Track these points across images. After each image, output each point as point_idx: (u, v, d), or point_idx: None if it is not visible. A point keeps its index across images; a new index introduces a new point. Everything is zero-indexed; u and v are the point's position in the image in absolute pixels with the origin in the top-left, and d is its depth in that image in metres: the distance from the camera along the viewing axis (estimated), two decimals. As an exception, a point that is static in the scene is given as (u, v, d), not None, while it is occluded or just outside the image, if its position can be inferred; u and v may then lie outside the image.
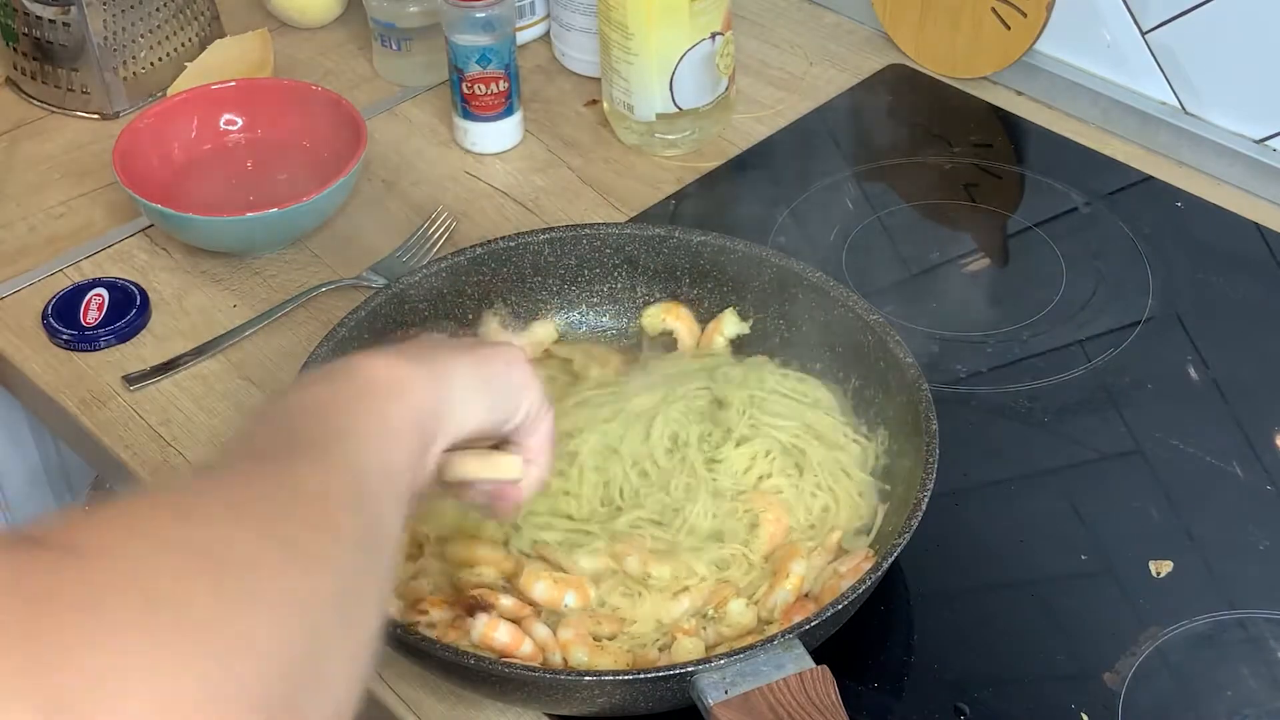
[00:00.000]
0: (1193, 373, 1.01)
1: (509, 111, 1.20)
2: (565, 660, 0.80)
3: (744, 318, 0.98)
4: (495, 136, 1.21)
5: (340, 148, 1.11)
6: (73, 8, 1.20)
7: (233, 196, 1.13)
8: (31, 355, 1.04)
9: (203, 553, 0.47)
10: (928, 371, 0.90)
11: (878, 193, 1.17)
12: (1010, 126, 1.24)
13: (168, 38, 1.27)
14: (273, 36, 1.31)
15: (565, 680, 0.76)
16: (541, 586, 0.82)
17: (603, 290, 1.01)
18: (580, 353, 0.99)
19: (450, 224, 1.13)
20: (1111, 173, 1.17)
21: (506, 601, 0.81)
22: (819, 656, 0.76)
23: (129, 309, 1.06)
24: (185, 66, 1.27)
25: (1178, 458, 0.94)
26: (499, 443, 0.77)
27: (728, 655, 0.75)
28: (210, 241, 1.10)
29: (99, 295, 1.07)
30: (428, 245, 1.11)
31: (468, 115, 1.20)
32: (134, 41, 1.24)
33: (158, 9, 1.25)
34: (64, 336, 1.04)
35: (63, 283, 1.09)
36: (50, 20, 1.21)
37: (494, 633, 0.79)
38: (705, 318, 1.00)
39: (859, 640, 0.83)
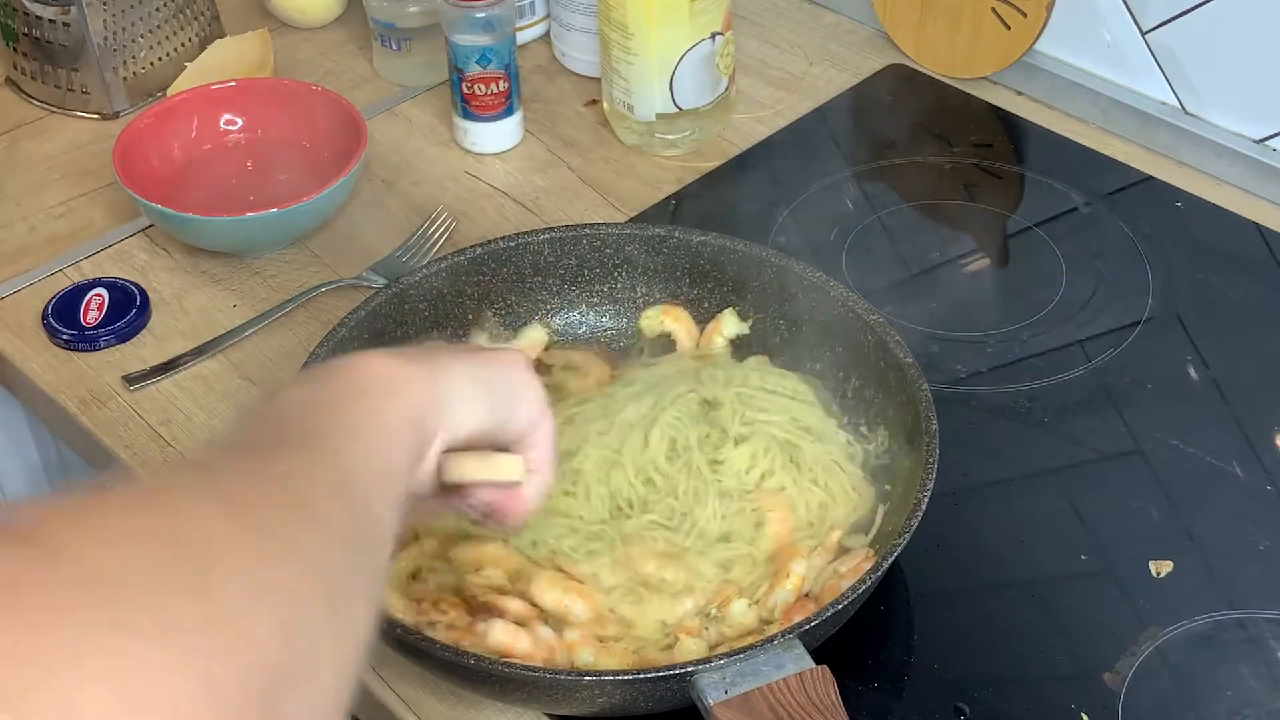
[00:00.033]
0: (1193, 373, 1.01)
1: (509, 111, 1.20)
2: (572, 661, 0.80)
3: (744, 318, 0.98)
4: (495, 136, 1.21)
5: (340, 148, 1.11)
6: (73, 8, 1.20)
7: (233, 196, 1.13)
8: (31, 355, 1.04)
9: (175, 543, 0.45)
10: (928, 371, 0.90)
11: (878, 193, 1.17)
12: (1010, 126, 1.24)
13: (168, 38, 1.27)
14: (273, 36, 1.31)
15: (565, 680, 0.76)
16: (553, 595, 0.82)
17: (603, 290, 1.01)
18: (563, 361, 0.98)
19: (450, 224, 1.13)
20: (1111, 173, 1.17)
21: (515, 605, 0.81)
22: (819, 656, 0.76)
23: (129, 309, 1.06)
24: (185, 66, 1.27)
25: (1178, 458, 0.94)
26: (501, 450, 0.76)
27: (728, 655, 0.75)
28: (210, 241, 1.10)
29: (99, 295, 1.07)
30: (428, 245, 1.11)
31: (468, 115, 1.20)
32: (134, 41, 1.24)
33: (158, 9, 1.25)
34: (64, 336, 1.04)
35: (63, 283, 1.09)
36: (50, 20, 1.21)
37: (509, 639, 0.79)
38: (705, 318, 1.00)
39: (859, 640, 0.83)
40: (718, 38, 1.17)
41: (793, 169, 1.19)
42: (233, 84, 1.18)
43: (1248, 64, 1.13)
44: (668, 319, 1.00)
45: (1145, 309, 1.05)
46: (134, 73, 1.26)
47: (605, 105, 1.23)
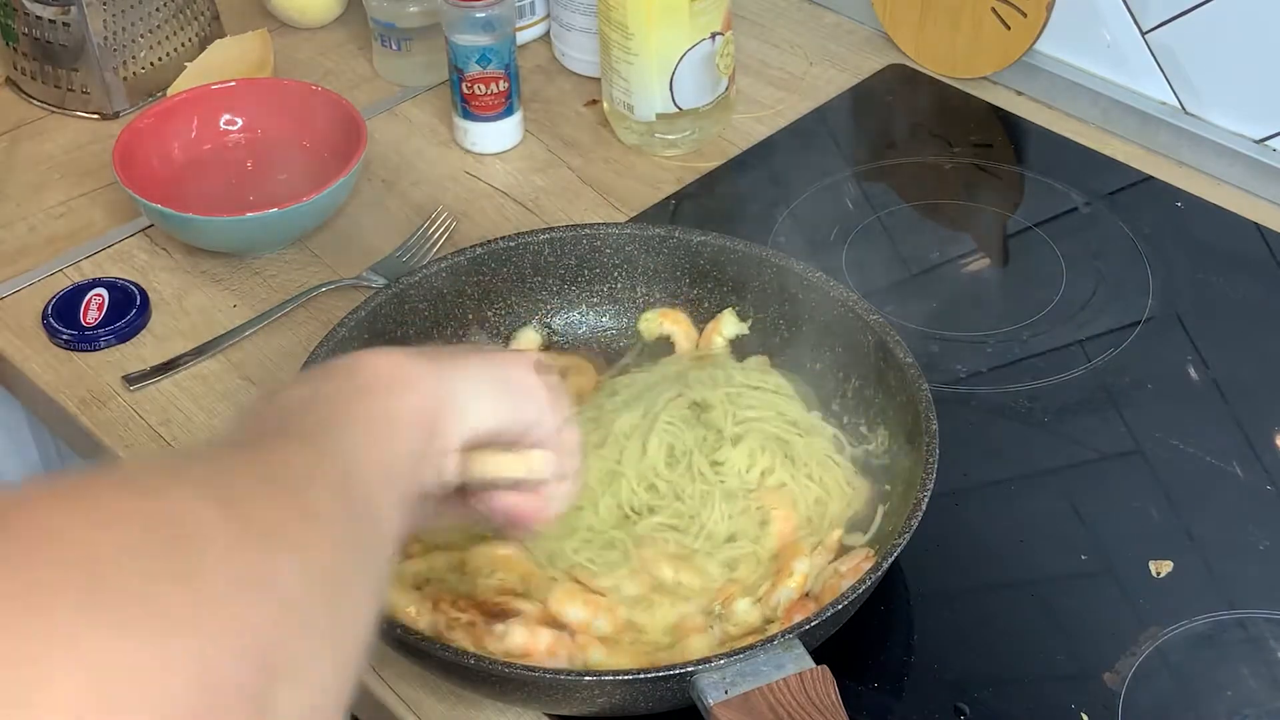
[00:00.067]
0: (1193, 373, 1.01)
1: (509, 111, 1.20)
2: (584, 661, 0.80)
3: (743, 318, 0.98)
4: (495, 136, 1.21)
5: (340, 148, 1.11)
6: (72, 8, 1.20)
7: (233, 196, 1.13)
8: (31, 355, 1.04)
9: (153, 527, 0.44)
10: (927, 371, 0.90)
11: (878, 192, 1.17)
12: (1010, 126, 1.24)
13: (168, 38, 1.27)
14: (273, 37, 1.31)
15: (565, 680, 0.76)
16: (575, 610, 0.81)
17: (602, 290, 1.01)
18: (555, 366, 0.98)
19: (450, 224, 1.13)
20: (1111, 173, 1.17)
21: (529, 607, 0.81)
22: (819, 656, 0.76)
23: (129, 309, 1.06)
24: (185, 66, 1.27)
25: (1178, 458, 0.94)
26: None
27: (728, 655, 0.75)
28: (210, 241, 1.10)
29: (99, 295, 1.07)
30: (428, 245, 1.11)
31: (468, 115, 1.20)
32: (134, 41, 1.24)
33: (157, 9, 1.25)
34: (64, 336, 1.04)
35: (63, 283, 1.09)
36: (50, 20, 1.21)
37: (529, 639, 0.79)
38: (705, 318, 1.00)
39: (859, 640, 0.83)
40: (718, 38, 1.17)
41: (793, 169, 1.19)
42: (233, 84, 1.18)
43: (1247, 64, 1.13)
44: (667, 321, 1.00)
45: (1145, 309, 1.05)
46: (134, 73, 1.26)
47: (605, 105, 1.23)
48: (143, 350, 1.05)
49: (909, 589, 0.87)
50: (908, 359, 0.89)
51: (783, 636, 0.75)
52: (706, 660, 0.75)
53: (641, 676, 0.75)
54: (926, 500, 0.81)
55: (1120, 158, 1.19)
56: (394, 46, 1.28)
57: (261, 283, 1.10)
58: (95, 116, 1.26)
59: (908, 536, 0.79)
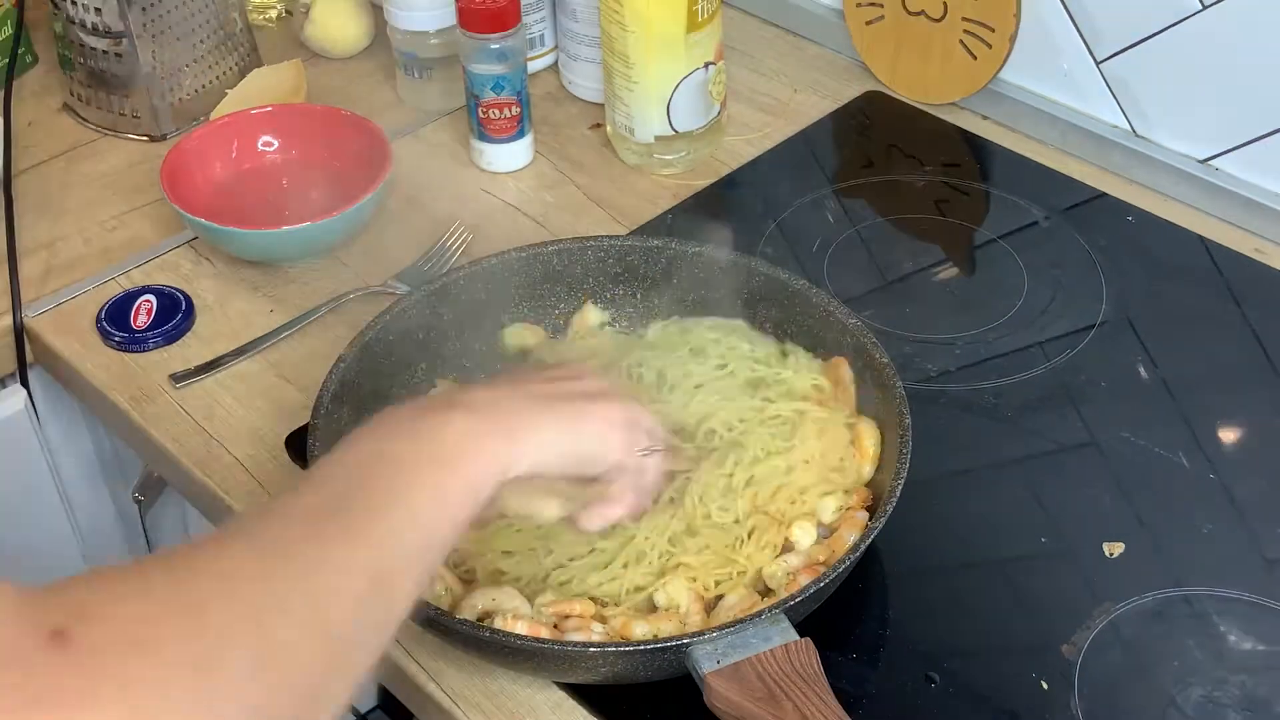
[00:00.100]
0: (1143, 372, 1.01)
1: (521, 134, 1.20)
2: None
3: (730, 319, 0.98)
4: (508, 157, 1.21)
5: (367, 167, 1.11)
6: (124, 40, 1.20)
7: (270, 211, 1.13)
8: (87, 356, 1.04)
9: (180, 646, 0.47)
10: (902, 371, 0.90)
11: (856, 208, 1.17)
12: (976, 148, 1.24)
13: (210, 67, 1.27)
14: (305, 66, 1.31)
15: (571, 651, 0.76)
16: (641, 628, 0.80)
17: (606, 296, 1.01)
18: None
19: (467, 237, 1.13)
20: (1069, 190, 1.17)
21: (599, 628, 0.80)
22: (802, 629, 0.76)
23: (175, 313, 1.06)
24: (226, 93, 1.27)
25: (1129, 449, 0.94)
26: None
27: (719, 629, 0.75)
28: (249, 252, 1.10)
29: (148, 301, 1.07)
30: (446, 256, 1.11)
31: (483, 137, 1.20)
32: (180, 71, 1.24)
33: (201, 41, 1.25)
34: (116, 339, 1.04)
35: (115, 290, 1.09)
36: (104, 51, 1.21)
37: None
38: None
39: (839, 615, 0.83)
40: (710, 67, 1.17)
41: (778, 186, 1.19)
42: (269, 109, 1.18)
43: (1193, 92, 1.13)
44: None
45: (1100, 314, 1.05)
46: (180, 99, 1.25)
47: (608, 128, 1.23)
48: (188, 351, 1.05)
49: (885, 568, 0.87)
50: (884, 359, 0.89)
51: (770, 612, 0.76)
52: (700, 633, 0.75)
53: (640, 648, 0.75)
54: (900, 487, 0.81)
55: (1077, 176, 1.19)
56: (416, 75, 1.28)
57: (296, 289, 1.10)
58: (145, 139, 1.26)
59: (883, 521, 0.80)
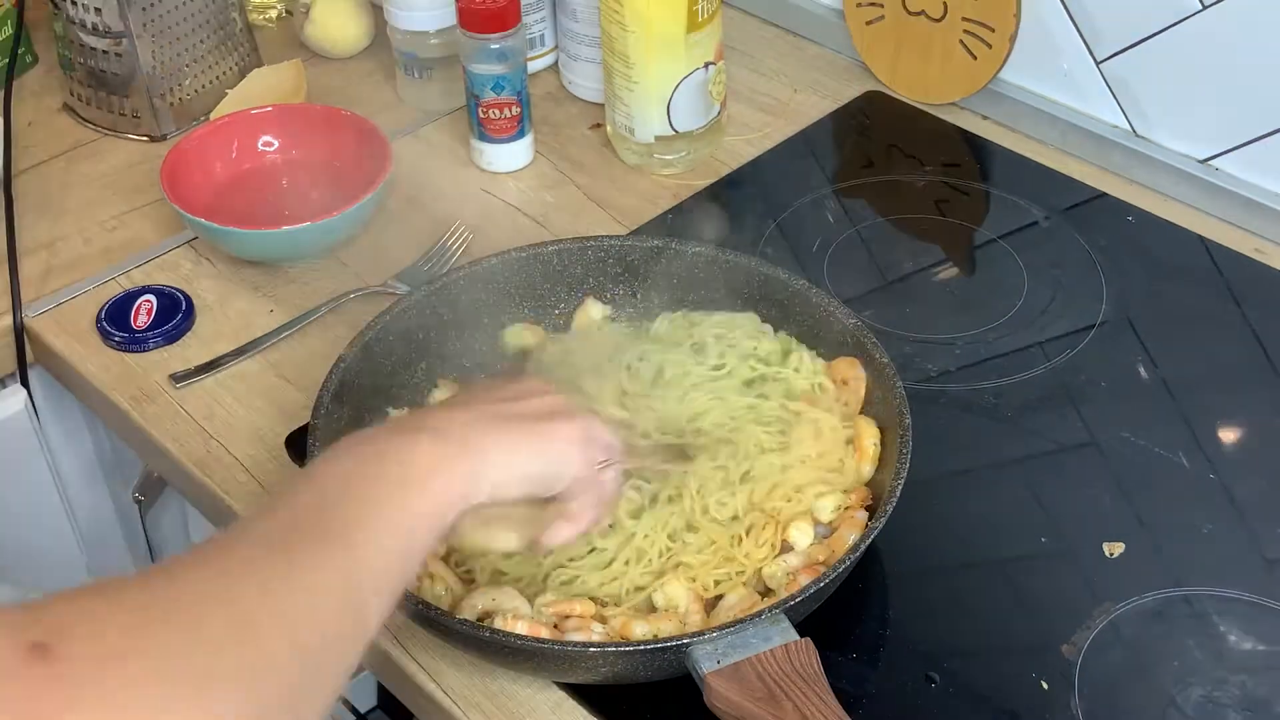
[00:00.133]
0: (1143, 372, 1.01)
1: (521, 134, 1.20)
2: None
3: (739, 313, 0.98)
4: (508, 157, 1.21)
5: (367, 167, 1.11)
6: (124, 40, 1.20)
7: (270, 211, 1.13)
8: (87, 356, 1.04)
9: (158, 659, 0.48)
10: (902, 371, 0.90)
11: (856, 208, 1.17)
12: (976, 148, 1.24)
13: (210, 67, 1.27)
14: (306, 66, 1.31)
15: (571, 651, 0.76)
16: (641, 629, 0.80)
17: (606, 295, 1.01)
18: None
19: (467, 237, 1.13)
20: (1069, 190, 1.17)
21: (599, 628, 0.80)
22: (802, 629, 0.76)
23: (175, 313, 1.06)
24: (226, 93, 1.27)
25: (1129, 449, 0.94)
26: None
27: (719, 629, 0.75)
28: (249, 252, 1.10)
29: (148, 301, 1.07)
30: (447, 256, 1.11)
31: (483, 137, 1.20)
32: (180, 71, 1.24)
33: (201, 41, 1.25)
34: (116, 339, 1.04)
35: (115, 290, 1.09)
36: (104, 51, 1.21)
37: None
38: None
39: (839, 615, 0.83)
40: (710, 67, 1.17)
41: (779, 186, 1.19)
42: (270, 109, 1.18)
43: (1192, 92, 1.13)
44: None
45: (1100, 314, 1.05)
46: (180, 99, 1.25)
47: (608, 128, 1.22)
48: (188, 351, 1.05)
49: (885, 568, 0.87)
50: (884, 359, 0.89)
51: (770, 612, 0.75)
52: (700, 633, 0.75)
53: (640, 648, 0.75)
54: (900, 487, 0.81)
55: (1077, 176, 1.19)
56: (416, 75, 1.28)
57: (296, 289, 1.09)
58: (145, 139, 1.26)
59: (883, 521, 0.79)
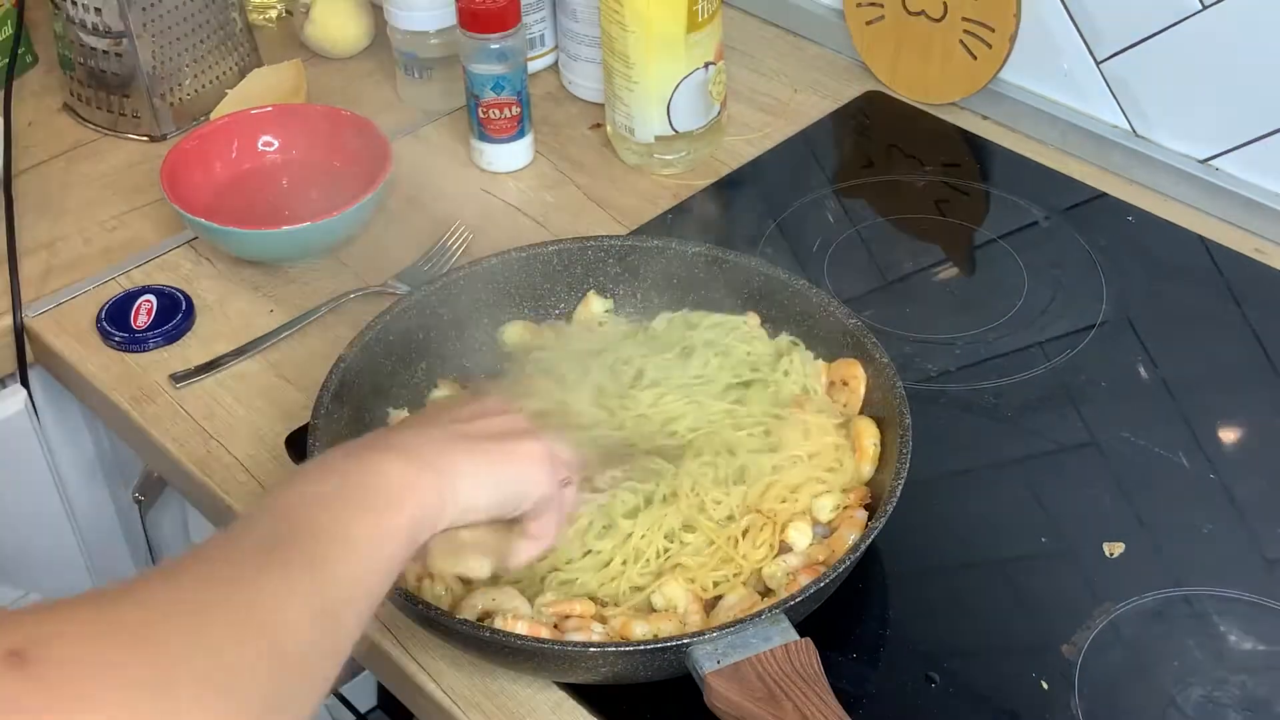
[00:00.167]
0: (1143, 372, 1.01)
1: (521, 134, 1.20)
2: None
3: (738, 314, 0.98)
4: (508, 157, 1.21)
5: (367, 167, 1.11)
6: (124, 40, 1.20)
7: (270, 211, 1.13)
8: (87, 356, 1.04)
9: (136, 667, 0.48)
10: (902, 371, 0.90)
11: (856, 208, 1.17)
12: (976, 148, 1.24)
13: (210, 67, 1.27)
14: (306, 66, 1.31)
15: (571, 651, 0.76)
16: (641, 628, 0.80)
17: (606, 295, 1.01)
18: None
19: (467, 237, 1.13)
20: (1069, 190, 1.17)
21: (599, 628, 0.80)
22: (803, 629, 0.76)
23: (175, 313, 1.06)
24: (226, 93, 1.27)
25: (1129, 449, 0.94)
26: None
27: (719, 629, 0.75)
28: (249, 252, 1.10)
29: (148, 301, 1.07)
30: (447, 256, 1.11)
31: (483, 137, 1.20)
32: (180, 71, 1.24)
33: (201, 41, 1.25)
34: (116, 339, 1.04)
35: (115, 290, 1.09)
36: (104, 51, 1.21)
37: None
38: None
39: (840, 615, 0.83)
40: (710, 67, 1.17)
41: (779, 186, 1.19)
42: (269, 109, 1.18)
43: (1193, 92, 1.13)
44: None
45: (1100, 314, 1.05)
46: (180, 99, 1.26)
47: (608, 128, 1.22)
48: (188, 351, 1.05)
49: (885, 568, 0.87)
50: (884, 359, 0.89)
51: (770, 612, 0.75)
52: (700, 633, 0.75)
53: (640, 648, 0.75)
54: (900, 487, 0.81)
55: (1077, 176, 1.19)
56: (416, 75, 1.28)
57: (296, 290, 1.09)
58: (144, 139, 1.26)
59: (883, 520, 0.79)
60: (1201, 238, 1.12)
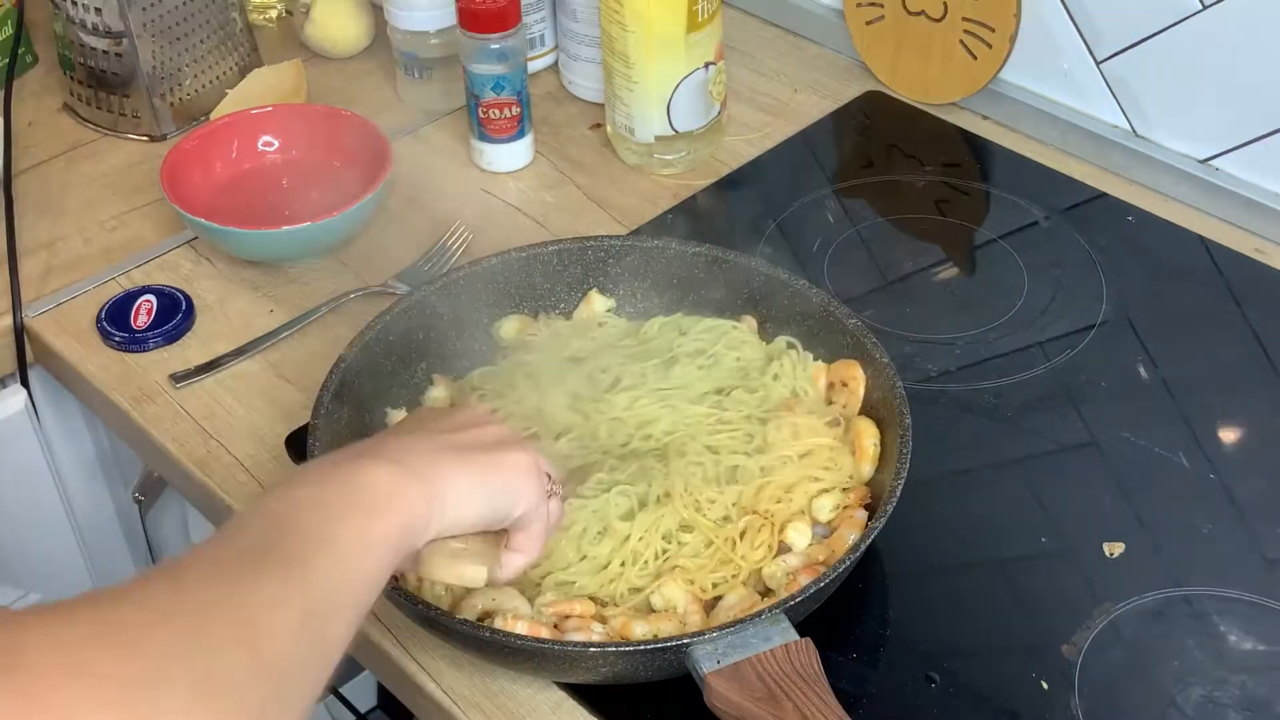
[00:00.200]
0: (1143, 372, 1.01)
1: (521, 134, 1.20)
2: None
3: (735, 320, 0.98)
4: (508, 157, 1.21)
5: (367, 167, 1.11)
6: (124, 40, 1.20)
7: (270, 211, 1.13)
8: (87, 356, 1.04)
9: (117, 673, 0.48)
10: (902, 371, 0.90)
11: (856, 208, 1.17)
12: (977, 148, 1.24)
13: (210, 67, 1.27)
14: (306, 66, 1.31)
15: (571, 651, 0.76)
16: (641, 628, 0.80)
17: (607, 293, 1.01)
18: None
19: (467, 237, 1.13)
20: (1069, 190, 1.17)
21: (599, 628, 0.80)
22: (803, 629, 0.76)
23: (175, 314, 1.06)
24: (226, 93, 1.27)
25: (1129, 449, 0.94)
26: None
27: (719, 629, 0.75)
28: (249, 252, 1.10)
29: (148, 301, 1.07)
30: (447, 256, 1.11)
31: (483, 137, 1.20)
32: (180, 71, 1.24)
33: (201, 41, 1.25)
34: (116, 339, 1.04)
35: (115, 290, 1.09)
36: (104, 51, 1.21)
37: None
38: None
39: (840, 615, 0.83)
40: (711, 67, 1.17)
41: (779, 186, 1.19)
42: (270, 109, 1.18)
43: (1193, 92, 1.13)
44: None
45: (1100, 314, 1.05)
46: (180, 99, 1.26)
47: (608, 128, 1.22)
48: (188, 351, 1.05)
49: (885, 568, 0.87)
50: (884, 359, 0.89)
51: (770, 612, 0.75)
52: (700, 633, 0.75)
53: (640, 648, 0.75)
54: (900, 487, 0.81)
55: (1077, 176, 1.19)
56: (416, 75, 1.28)
57: (296, 290, 1.09)
58: (145, 139, 1.26)
59: (883, 521, 0.79)
60: (1201, 238, 1.12)
